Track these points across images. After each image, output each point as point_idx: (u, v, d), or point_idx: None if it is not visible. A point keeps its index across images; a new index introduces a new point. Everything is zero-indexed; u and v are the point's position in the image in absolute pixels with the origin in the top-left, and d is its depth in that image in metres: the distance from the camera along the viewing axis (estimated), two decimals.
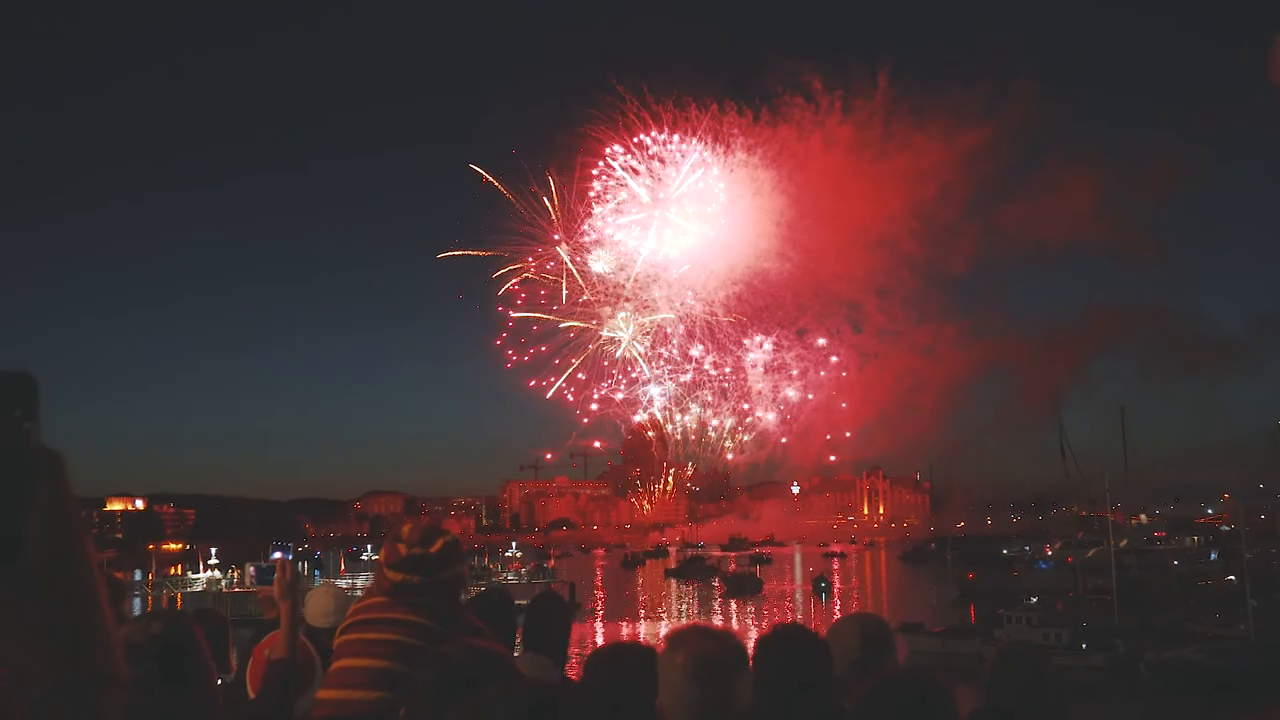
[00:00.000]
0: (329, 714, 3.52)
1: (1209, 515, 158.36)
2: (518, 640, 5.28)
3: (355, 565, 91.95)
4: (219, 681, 4.61)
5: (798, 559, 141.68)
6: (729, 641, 3.15)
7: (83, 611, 0.92)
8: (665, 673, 3.06)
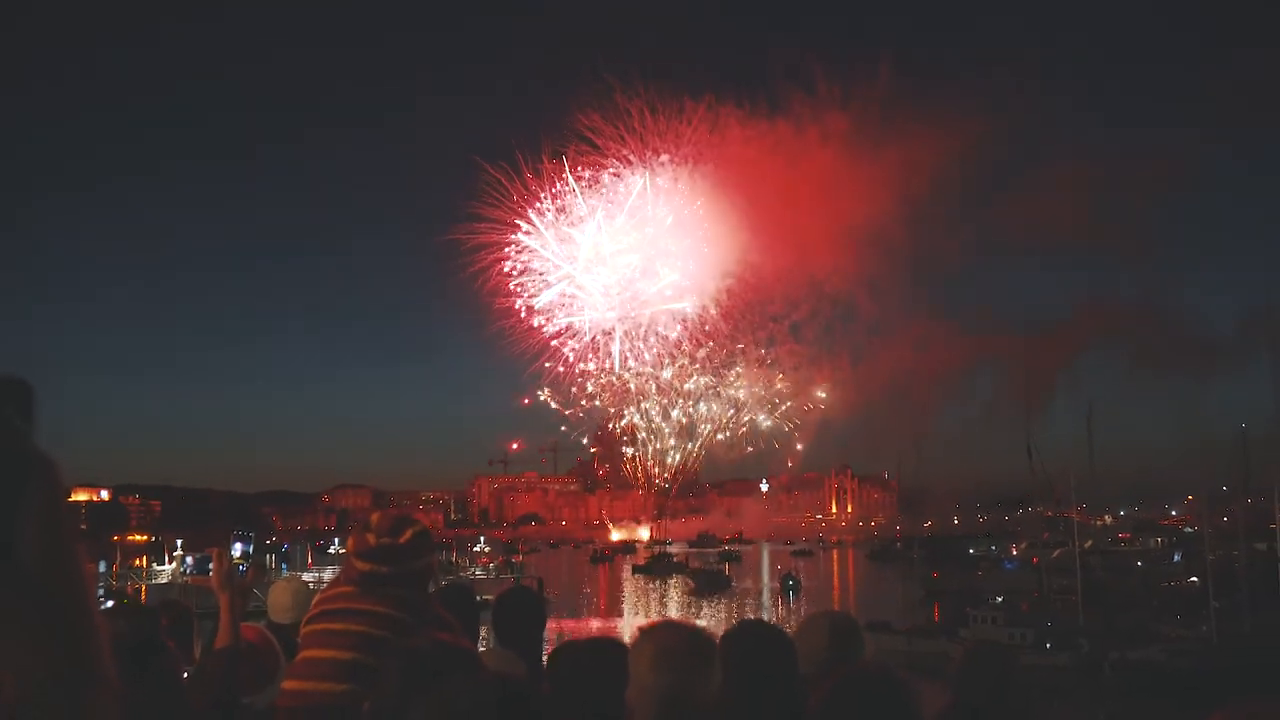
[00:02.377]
0: (293, 704, 3.48)
1: (1172, 517, 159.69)
2: (483, 635, 5.25)
3: (322, 559, 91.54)
4: (185, 674, 4.57)
5: (766, 557, 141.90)
6: (696, 635, 3.14)
7: (78, 613, 0.94)
8: (633, 666, 3.06)
